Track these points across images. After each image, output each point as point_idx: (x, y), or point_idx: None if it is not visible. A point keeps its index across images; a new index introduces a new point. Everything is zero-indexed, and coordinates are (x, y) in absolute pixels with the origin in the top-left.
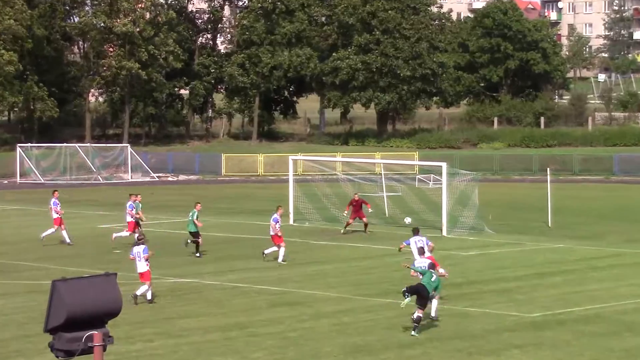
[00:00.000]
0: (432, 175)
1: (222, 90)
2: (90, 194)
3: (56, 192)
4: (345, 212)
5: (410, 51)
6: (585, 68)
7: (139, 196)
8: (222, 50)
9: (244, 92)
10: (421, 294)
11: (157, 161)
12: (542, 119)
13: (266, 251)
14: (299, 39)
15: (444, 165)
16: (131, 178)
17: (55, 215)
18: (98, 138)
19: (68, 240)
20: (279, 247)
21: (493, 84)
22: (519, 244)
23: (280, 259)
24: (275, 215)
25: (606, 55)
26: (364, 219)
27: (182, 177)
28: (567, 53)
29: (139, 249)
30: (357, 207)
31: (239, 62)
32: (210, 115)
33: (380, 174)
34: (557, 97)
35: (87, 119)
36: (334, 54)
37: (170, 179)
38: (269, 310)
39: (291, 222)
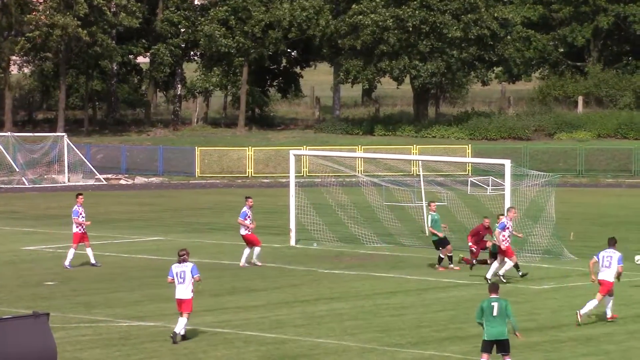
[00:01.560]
0: (490, 177)
1: (195, 58)
2: (11, 203)
3: (80, 197)
4: (473, 247)
5: (461, 3)
6: None
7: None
8: (196, 2)
9: (227, 60)
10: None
11: (105, 157)
12: None
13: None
14: None
15: (507, 163)
16: (68, 181)
17: (75, 229)
18: (22, 125)
19: (94, 261)
20: None
21: (577, 50)
22: None
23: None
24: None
25: None
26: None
27: (139, 180)
28: None
29: (183, 268)
30: (483, 235)
31: (220, 17)
32: (179, 92)
33: (418, 175)
34: None
35: (7, 98)
36: (353, 6)
37: (123, 182)
38: None
39: (292, 242)
